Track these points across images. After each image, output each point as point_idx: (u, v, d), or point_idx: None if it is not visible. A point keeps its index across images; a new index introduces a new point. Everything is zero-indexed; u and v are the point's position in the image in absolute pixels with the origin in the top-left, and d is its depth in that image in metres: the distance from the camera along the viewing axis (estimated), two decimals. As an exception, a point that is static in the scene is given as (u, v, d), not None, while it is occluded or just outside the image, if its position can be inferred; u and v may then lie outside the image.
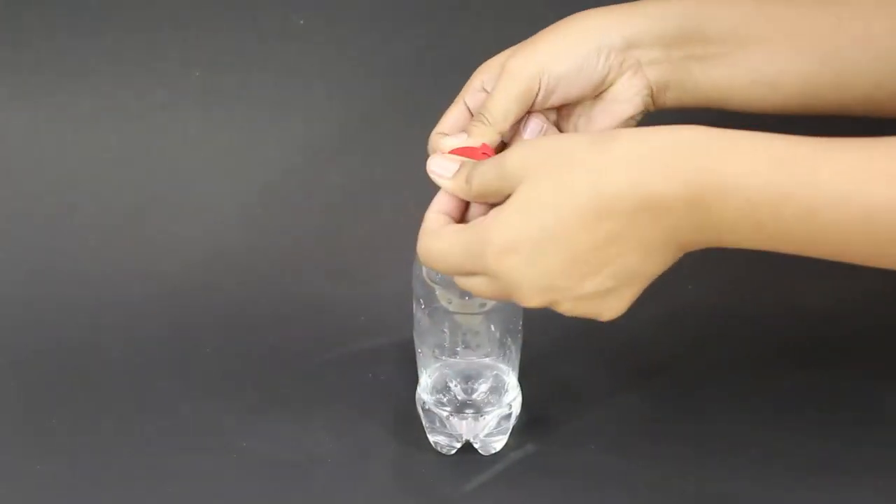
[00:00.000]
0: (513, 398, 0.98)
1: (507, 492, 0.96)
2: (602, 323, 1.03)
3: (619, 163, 0.81)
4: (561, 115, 0.95)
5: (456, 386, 0.98)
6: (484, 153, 0.91)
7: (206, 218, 1.19)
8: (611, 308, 0.86)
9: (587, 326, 1.10)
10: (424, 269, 0.94)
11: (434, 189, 0.92)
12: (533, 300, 0.84)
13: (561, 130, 0.95)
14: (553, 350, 1.08)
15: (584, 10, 0.93)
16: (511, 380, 0.99)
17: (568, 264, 0.82)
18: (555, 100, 0.92)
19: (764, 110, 0.93)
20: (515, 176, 0.83)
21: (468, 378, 0.99)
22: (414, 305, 0.96)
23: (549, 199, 0.81)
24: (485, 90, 0.92)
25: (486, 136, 0.90)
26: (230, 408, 1.04)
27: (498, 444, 0.98)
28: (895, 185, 0.77)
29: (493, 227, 0.83)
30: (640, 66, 0.91)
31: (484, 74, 0.93)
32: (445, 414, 0.97)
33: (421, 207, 0.96)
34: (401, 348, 1.06)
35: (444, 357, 0.98)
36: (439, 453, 0.98)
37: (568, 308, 0.85)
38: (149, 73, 1.19)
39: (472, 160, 0.89)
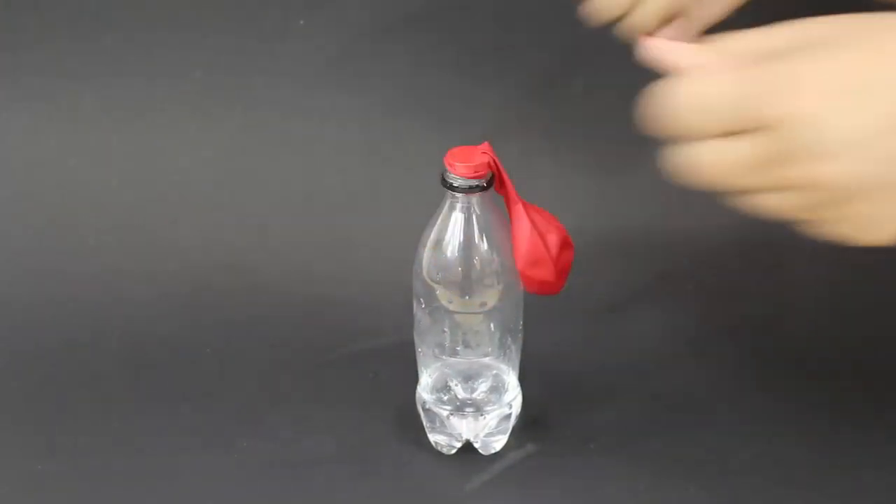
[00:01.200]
0: (513, 398, 0.98)
1: (507, 492, 0.96)
2: (602, 323, 1.03)
3: None
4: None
5: (456, 385, 0.98)
6: (484, 153, 0.91)
7: (205, 218, 1.19)
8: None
9: (587, 326, 1.11)
10: (425, 269, 0.94)
11: (437, 190, 0.92)
12: (836, 163, 0.66)
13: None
14: (553, 350, 1.08)
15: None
16: (511, 379, 0.99)
17: (889, 130, 0.66)
18: None
19: None
20: (804, 40, 0.69)
21: (468, 377, 0.99)
22: (414, 305, 0.96)
23: (870, 57, 0.66)
24: None
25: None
26: (230, 408, 1.04)
27: (498, 443, 0.99)
28: None
29: (803, 65, 0.67)
30: None
31: None
32: (446, 413, 0.97)
33: (421, 207, 0.96)
34: (401, 348, 1.06)
35: (444, 356, 0.98)
36: (439, 453, 0.98)
37: (860, 198, 0.67)
38: (149, 73, 1.19)
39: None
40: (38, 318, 1.13)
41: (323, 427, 1.01)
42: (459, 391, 0.98)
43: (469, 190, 0.92)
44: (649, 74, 0.77)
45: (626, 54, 1.04)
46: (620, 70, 1.16)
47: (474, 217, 0.93)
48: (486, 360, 0.98)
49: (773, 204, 0.68)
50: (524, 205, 0.93)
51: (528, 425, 1.00)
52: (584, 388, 1.05)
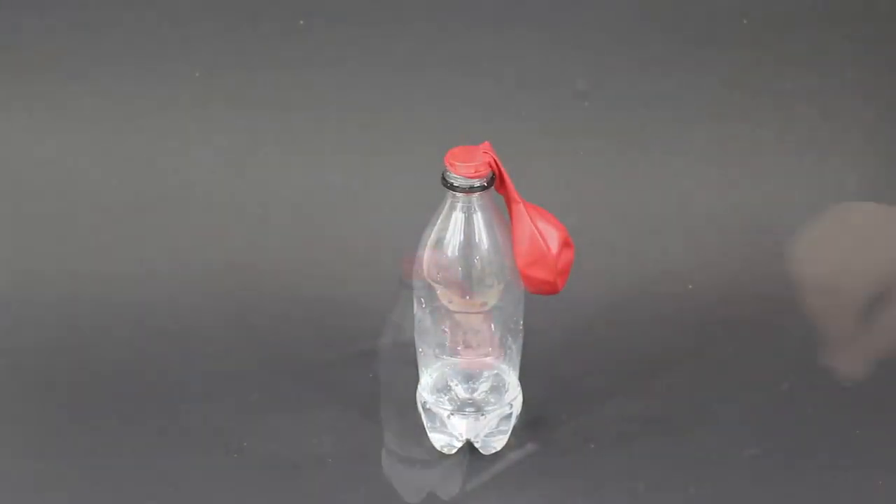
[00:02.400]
0: (513, 397, 0.98)
1: (507, 492, 0.96)
2: (601, 323, 1.03)
3: None
4: None
5: (457, 385, 0.98)
6: (485, 152, 0.91)
7: (205, 218, 1.19)
8: None
9: (587, 326, 1.11)
10: (425, 269, 0.94)
11: (437, 190, 0.92)
12: None
13: None
14: (553, 350, 1.08)
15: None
16: (512, 379, 0.99)
17: None
18: None
19: None
20: None
21: (469, 377, 0.98)
22: (415, 304, 0.96)
23: None
24: None
25: None
26: (230, 408, 1.04)
27: (498, 443, 0.98)
28: None
29: None
30: None
31: None
32: (446, 413, 0.97)
33: (421, 207, 0.96)
34: (401, 348, 1.06)
35: (444, 356, 0.98)
36: (439, 453, 0.98)
37: None
38: (149, 73, 1.19)
39: None
40: (38, 318, 1.13)
41: (323, 427, 1.01)
42: (460, 391, 0.98)
43: (470, 190, 0.92)
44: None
45: (626, 55, 1.05)
46: (620, 70, 1.17)
47: (475, 217, 0.93)
48: (487, 359, 0.98)
49: None
50: (524, 204, 0.93)
51: (529, 425, 1.00)
52: (584, 388, 1.05)
